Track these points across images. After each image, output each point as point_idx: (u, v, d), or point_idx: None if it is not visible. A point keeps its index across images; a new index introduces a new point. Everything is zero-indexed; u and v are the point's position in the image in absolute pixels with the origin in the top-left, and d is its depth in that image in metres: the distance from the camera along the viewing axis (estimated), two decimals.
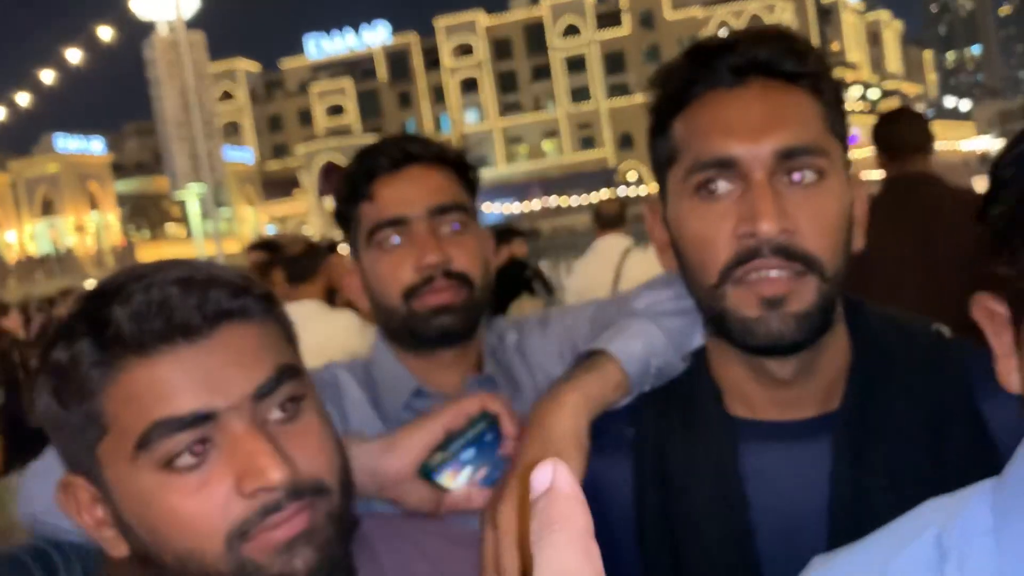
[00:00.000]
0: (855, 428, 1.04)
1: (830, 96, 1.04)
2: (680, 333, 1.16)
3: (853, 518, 0.99)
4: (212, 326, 0.79)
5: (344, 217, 1.46)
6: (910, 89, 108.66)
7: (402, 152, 1.39)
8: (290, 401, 0.82)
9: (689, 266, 1.05)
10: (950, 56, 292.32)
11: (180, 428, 0.77)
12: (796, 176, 0.99)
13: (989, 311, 0.69)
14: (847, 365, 1.08)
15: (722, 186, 1.00)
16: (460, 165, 1.44)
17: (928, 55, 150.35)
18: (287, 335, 0.87)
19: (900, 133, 3.64)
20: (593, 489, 1.09)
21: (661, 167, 1.09)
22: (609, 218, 5.72)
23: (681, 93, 1.05)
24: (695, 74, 1.04)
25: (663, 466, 1.10)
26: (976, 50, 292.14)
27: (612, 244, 5.51)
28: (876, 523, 0.92)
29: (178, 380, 0.77)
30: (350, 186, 1.42)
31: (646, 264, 5.03)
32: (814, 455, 1.04)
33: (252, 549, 0.78)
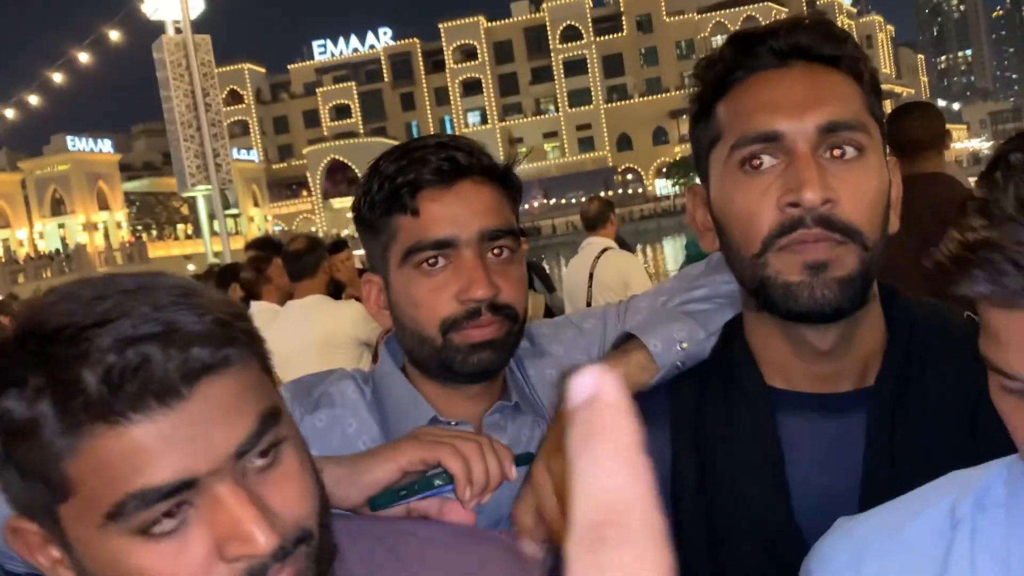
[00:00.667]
0: (889, 404, 1.06)
1: (868, 81, 1.07)
2: (705, 316, 1.20)
3: (885, 492, 1.00)
4: (191, 385, 0.70)
5: (370, 224, 1.30)
6: (903, 91, 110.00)
7: (451, 163, 1.25)
8: (274, 448, 0.76)
9: (732, 240, 1.07)
10: (942, 59, 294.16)
11: (157, 499, 0.69)
12: (838, 151, 1.02)
13: None
14: (882, 344, 1.10)
15: (766, 160, 1.03)
16: (507, 180, 1.32)
17: (920, 58, 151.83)
18: (265, 367, 0.79)
19: (912, 129, 3.47)
20: None
21: (703, 152, 1.12)
22: (591, 219, 5.74)
23: (724, 78, 1.08)
24: (738, 60, 1.07)
25: (700, 432, 1.13)
26: (968, 53, 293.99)
27: (594, 244, 5.62)
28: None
29: (155, 448, 0.69)
30: (388, 194, 1.26)
31: (613, 266, 5.46)
32: (849, 429, 1.07)
33: None
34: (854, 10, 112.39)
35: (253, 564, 0.72)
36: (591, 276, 5.53)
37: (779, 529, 1.07)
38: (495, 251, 1.28)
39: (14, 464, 0.71)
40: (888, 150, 1.11)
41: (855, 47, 1.08)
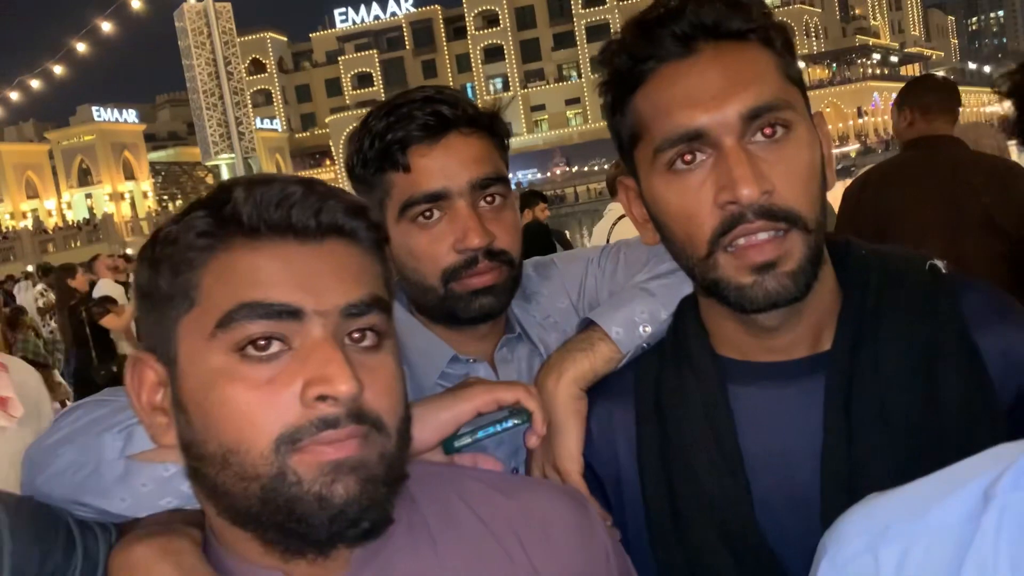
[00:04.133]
0: (846, 368, 1.05)
1: (780, 44, 1.04)
2: (668, 293, 1.22)
3: (845, 455, 1.02)
4: (323, 234, 0.79)
5: (364, 181, 1.36)
6: (932, 54, 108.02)
7: (437, 118, 1.29)
8: (373, 332, 0.81)
9: (675, 240, 1.06)
10: (973, 20, 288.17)
11: (264, 315, 0.76)
12: (766, 132, 0.99)
13: None
14: (835, 305, 1.09)
15: (694, 158, 1.00)
16: (494, 128, 1.36)
17: (951, 19, 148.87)
18: (385, 274, 0.86)
19: (931, 94, 3.76)
20: (602, 431, 1.19)
21: (626, 146, 1.09)
22: (613, 184, 5.63)
23: (633, 70, 1.04)
24: (643, 50, 1.03)
25: (658, 402, 1.15)
26: (1000, 14, 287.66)
27: (614, 211, 5.57)
28: (868, 459, 1.01)
29: (277, 271, 0.77)
30: (379, 152, 1.31)
31: (628, 233, 5.58)
32: (805, 394, 1.07)
33: (299, 460, 0.76)
34: None
35: (327, 414, 0.77)
36: (608, 241, 5.56)
37: (731, 503, 1.07)
38: (487, 199, 1.32)
39: (160, 275, 0.81)
40: (810, 109, 1.08)
41: (761, 11, 1.04)
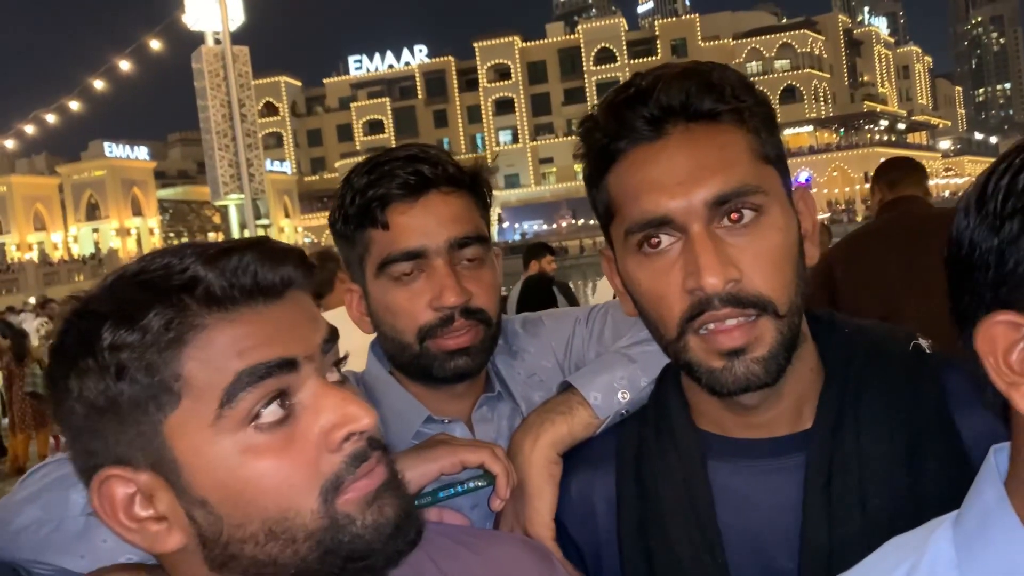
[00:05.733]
0: (826, 449, 1.04)
1: (756, 120, 1.01)
2: (649, 360, 1.21)
3: (824, 536, 1.01)
4: (284, 289, 0.81)
5: (345, 237, 1.36)
6: (939, 123, 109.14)
7: (418, 177, 1.29)
8: (338, 364, 0.85)
9: (649, 318, 1.06)
10: (980, 91, 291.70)
11: (264, 375, 0.76)
12: (734, 217, 0.97)
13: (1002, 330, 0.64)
14: (817, 382, 1.08)
15: (664, 240, 0.99)
16: (475, 187, 1.36)
17: (958, 90, 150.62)
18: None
19: (895, 170, 4.09)
20: (582, 496, 1.18)
21: (602, 219, 1.09)
22: None
23: (606, 149, 1.03)
24: (615, 131, 1.02)
25: (639, 474, 1.13)
26: (1007, 86, 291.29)
27: None
28: (846, 541, 0.99)
29: (260, 334, 0.78)
30: (360, 209, 1.31)
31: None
32: (785, 472, 1.05)
33: (345, 502, 0.78)
34: (892, 40, 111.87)
35: (356, 449, 0.79)
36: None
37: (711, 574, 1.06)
38: (466, 257, 1.32)
39: (131, 383, 0.75)
40: (790, 185, 1.06)
41: (738, 89, 1.01)
